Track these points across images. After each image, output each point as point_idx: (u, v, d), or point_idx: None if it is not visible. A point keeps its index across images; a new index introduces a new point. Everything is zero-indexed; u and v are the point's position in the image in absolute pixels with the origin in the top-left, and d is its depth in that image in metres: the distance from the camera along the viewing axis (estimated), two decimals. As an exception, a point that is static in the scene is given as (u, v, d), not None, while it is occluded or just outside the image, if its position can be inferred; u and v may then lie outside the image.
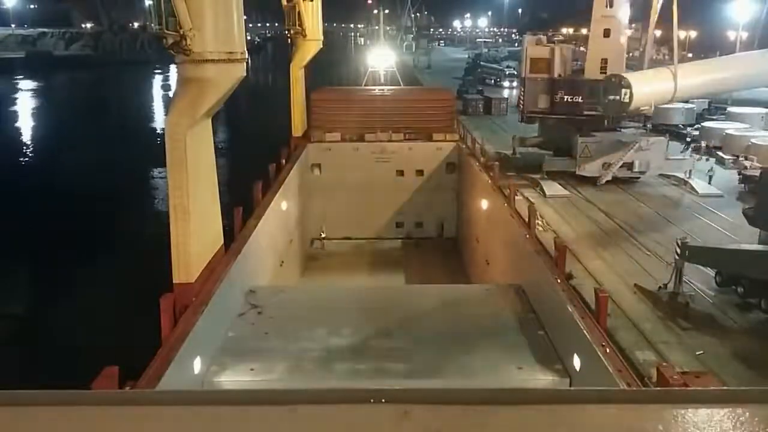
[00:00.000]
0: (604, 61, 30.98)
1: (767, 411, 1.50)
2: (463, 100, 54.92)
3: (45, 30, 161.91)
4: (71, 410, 1.53)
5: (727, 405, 1.52)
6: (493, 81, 76.25)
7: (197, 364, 14.94)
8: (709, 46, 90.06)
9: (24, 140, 75.64)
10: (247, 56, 17.36)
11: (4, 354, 24.59)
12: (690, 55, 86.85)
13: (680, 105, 39.24)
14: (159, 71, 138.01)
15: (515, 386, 5.22)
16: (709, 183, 29.58)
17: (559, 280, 17.10)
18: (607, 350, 13.46)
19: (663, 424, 1.47)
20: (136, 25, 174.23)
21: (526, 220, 21.70)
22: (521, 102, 34.34)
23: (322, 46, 39.75)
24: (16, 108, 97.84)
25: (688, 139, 37.86)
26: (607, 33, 31.16)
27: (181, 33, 15.45)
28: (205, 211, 17.23)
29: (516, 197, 24.99)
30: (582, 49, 40.76)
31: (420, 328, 17.62)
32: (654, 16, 29.61)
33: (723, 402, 1.54)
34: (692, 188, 29.20)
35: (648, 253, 21.29)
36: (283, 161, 30.57)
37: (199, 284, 16.35)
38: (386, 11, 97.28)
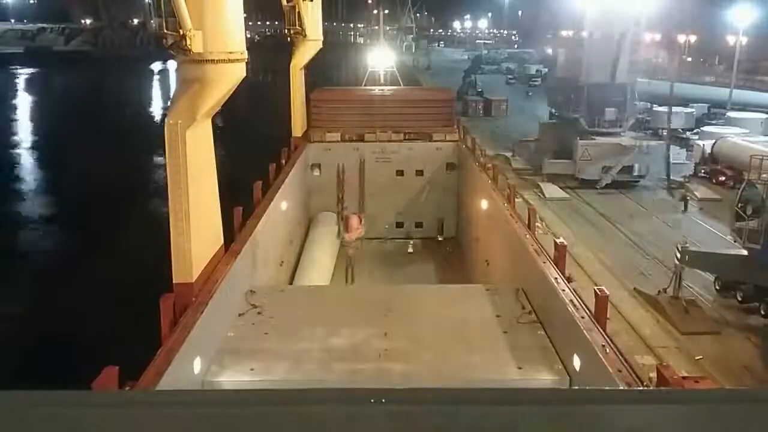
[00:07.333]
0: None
1: (767, 411, 1.50)
2: (462, 101, 54.95)
3: (44, 25, 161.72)
4: (71, 411, 1.53)
5: (728, 405, 1.52)
6: None
7: (197, 364, 14.92)
8: (708, 51, 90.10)
9: (22, 137, 75.57)
10: (246, 56, 17.35)
11: (4, 354, 24.57)
12: (689, 59, 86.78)
13: (680, 109, 39.28)
14: (159, 67, 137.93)
15: (515, 386, 5.18)
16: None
17: (559, 281, 17.10)
18: (607, 350, 13.46)
19: (663, 424, 1.47)
20: (135, 21, 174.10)
21: (526, 221, 21.70)
22: None
23: (321, 46, 39.76)
24: (14, 104, 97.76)
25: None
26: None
27: (181, 33, 15.43)
28: (205, 211, 17.21)
29: (516, 199, 24.99)
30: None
31: (420, 328, 17.59)
32: None
33: (723, 402, 1.54)
34: (691, 192, 29.22)
35: (647, 257, 21.30)
36: (283, 161, 30.58)
37: (199, 284, 16.33)
38: (386, 11, 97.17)
